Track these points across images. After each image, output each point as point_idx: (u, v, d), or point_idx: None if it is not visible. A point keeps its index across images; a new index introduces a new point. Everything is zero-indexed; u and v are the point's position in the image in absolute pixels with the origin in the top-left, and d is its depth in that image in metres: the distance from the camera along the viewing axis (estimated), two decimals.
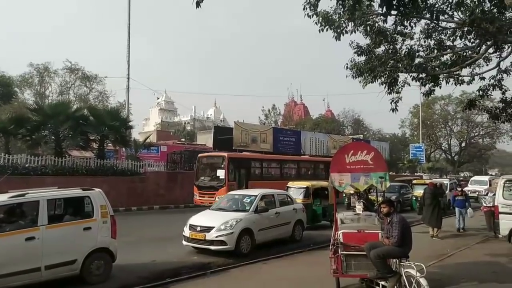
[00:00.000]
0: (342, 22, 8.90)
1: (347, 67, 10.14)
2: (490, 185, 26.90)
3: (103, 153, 20.19)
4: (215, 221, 9.45)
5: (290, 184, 15.11)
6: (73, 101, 34.46)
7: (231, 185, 18.23)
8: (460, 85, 10.92)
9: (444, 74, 10.68)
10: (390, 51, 10.00)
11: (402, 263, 5.93)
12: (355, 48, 10.07)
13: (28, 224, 6.52)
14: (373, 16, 9.28)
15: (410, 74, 10.20)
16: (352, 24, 9.05)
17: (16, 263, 6.11)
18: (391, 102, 9.96)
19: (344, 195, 9.97)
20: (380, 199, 7.63)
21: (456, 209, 13.66)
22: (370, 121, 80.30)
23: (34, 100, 33.55)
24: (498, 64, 10.67)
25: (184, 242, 9.71)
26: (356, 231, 6.64)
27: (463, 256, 9.75)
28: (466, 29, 8.82)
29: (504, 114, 11.89)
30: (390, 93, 9.87)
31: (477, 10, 7.89)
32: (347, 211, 7.99)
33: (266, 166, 22.44)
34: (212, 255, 9.18)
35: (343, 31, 8.98)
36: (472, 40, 9.90)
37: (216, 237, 9.09)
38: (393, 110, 10.04)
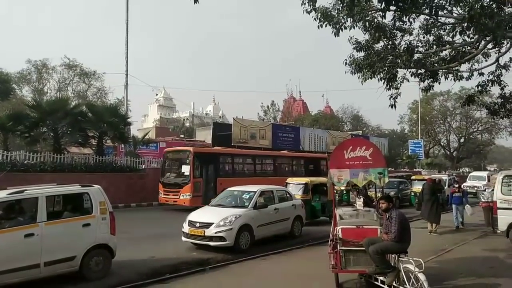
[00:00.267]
0: (341, 17, 8.86)
1: (346, 63, 10.12)
2: (488, 180, 27.02)
3: (102, 150, 20.17)
4: (214, 217, 9.46)
5: (289, 180, 15.16)
6: (71, 97, 34.35)
7: (197, 182, 17.14)
8: (459, 80, 10.91)
9: (443, 70, 10.67)
10: (389, 46, 9.97)
11: (400, 259, 5.95)
12: (354, 44, 10.04)
13: (27, 221, 6.51)
14: (372, 11, 9.24)
15: (409, 69, 10.19)
16: (351, 20, 8.99)
17: (15, 260, 6.11)
18: (390, 98, 9.97)
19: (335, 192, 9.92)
20: (379, 195, 7.64)
21: (453, 206, 13.60)
22: (369, 117, 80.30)
23: (32, 96, 33.55)
24: (497, 60, 10.66)
25: (183, 238, 9.73)
26: (355, 226, 6.65)
27: (462, 251, 9.78)
28: (465, 24, 8.79)
29: (502, 110, 11.87)
30: (389, 89, 9.87)
31: (477, 5, 7.84)
32: (345, 206, 8.00)
33: (238, 161, 20.79)
34: (211, 251, 9.20)
35: (342, 27, 8.95)
36: (471, 35, 9.88)
37: (215, 233, 9.11)
38: (391, 106, 10.05)
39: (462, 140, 53.85)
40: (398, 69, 9.79)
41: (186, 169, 17.41)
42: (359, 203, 7.45)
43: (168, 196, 17.51)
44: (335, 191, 8.51)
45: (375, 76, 9.75)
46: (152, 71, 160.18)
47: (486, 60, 11.03)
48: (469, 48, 10.26)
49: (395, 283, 5.92)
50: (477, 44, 9.96)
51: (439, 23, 10.19)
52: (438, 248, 9.95)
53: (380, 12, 8.87)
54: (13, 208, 6.63)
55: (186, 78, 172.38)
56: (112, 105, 26.68)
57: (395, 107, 10.02)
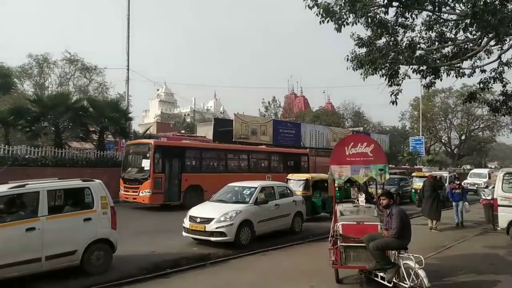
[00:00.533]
0: (343, 13, 8.83)
1: (347, 59, 10.09)
2: (489, 178, 26.98)
3: (103, 145, 20.21)
4: (215, 212, 9.48)
5: (290, 176, 15.18)
6: (72, 92, 34.31)
7: (158, 177, 15.68)
8: (461, 77, 10.86)
9: (445, 67, 10.62)
10: (391, 43, 9.92)
11: (401, 255, 5.97)
12: (356, 40, 10.01)
13: (29, 215, 6.52)
14: (374, 7, 9.19)
15: (411, 66, 10.15)
16: (353, 16, 8.96)
17: (17, 254, 6.13)
18: (391, 95, 9.94)
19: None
20: (379, 191, 7.65)
21: (453, 203, 13.62)
22: (370, 113, 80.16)
23: (34, 91, 33.45)
24: (499, 57, 10.62)
25: (184, 233, 9.75)
26: (355, 223, 6.67)
27: (462, 248, 9.81)
28: (468, 21, 8.74)
29: (504, 107, 11.85)
30: (390, 85, 9.84)
31: (480, 2, 7.81)
32: (346, 203, 8.01)
33: (206, 156, 18.92)
34: (212, 246, 9.22)
35: (344, 23, 8.92)
36: (474, 32, 9.84)
37: (216, 228, 9.14)
38: (393, 103, 10.02)
39: (463, 137, 53.73)
40: (400, 66, 9.75)
41: (146, 164, 15.89)
42: (361, 199, 7.47)
43: (128, 193, 16.09)
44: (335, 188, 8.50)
45: (377, 72, 9.72)
46: (154, 66, 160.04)
47: (488, 57, 11.00)
48: (471, 45, 10.22)
49: (395, 279, 5.94)
50: (480, 41, 9.92)
51: (441, 20, 10.14)
52: (439, 244, 9.97)
53: (382, 8, 8.84)
54: (15, 202, 6.66)
55: (187, 73, 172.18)
56: (113, 100, 26.61)
57: (396, 103, 9.99)
